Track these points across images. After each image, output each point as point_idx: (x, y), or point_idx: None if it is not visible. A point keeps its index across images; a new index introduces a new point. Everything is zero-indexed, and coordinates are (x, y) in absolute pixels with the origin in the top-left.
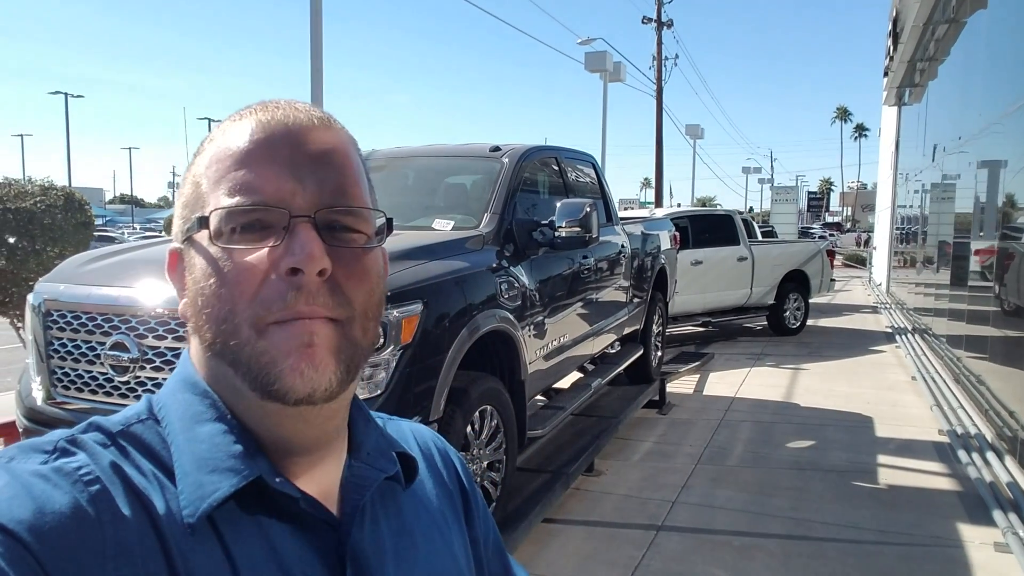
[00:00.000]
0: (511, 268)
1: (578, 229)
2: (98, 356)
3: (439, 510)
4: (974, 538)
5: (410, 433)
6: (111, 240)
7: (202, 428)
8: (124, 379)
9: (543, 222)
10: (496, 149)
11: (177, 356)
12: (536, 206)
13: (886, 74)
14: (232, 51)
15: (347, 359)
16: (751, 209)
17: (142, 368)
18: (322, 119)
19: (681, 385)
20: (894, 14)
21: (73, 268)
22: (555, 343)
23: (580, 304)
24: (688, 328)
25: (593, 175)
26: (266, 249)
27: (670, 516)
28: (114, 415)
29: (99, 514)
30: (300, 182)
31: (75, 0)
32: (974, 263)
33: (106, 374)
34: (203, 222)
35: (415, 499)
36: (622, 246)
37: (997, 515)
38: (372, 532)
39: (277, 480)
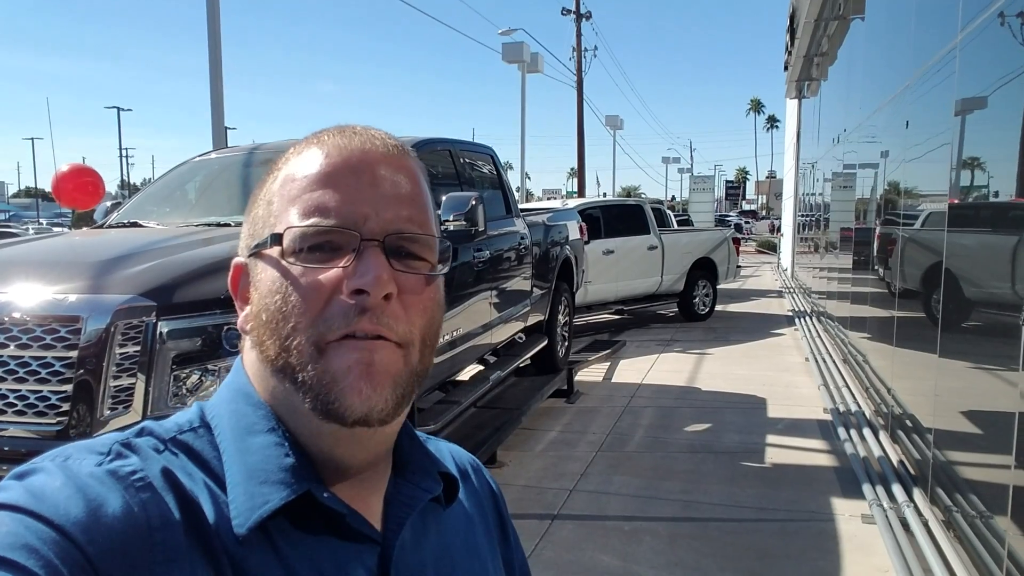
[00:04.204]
0: None
1: (464, 223)
2: None
3: (475, 531)
4: (845, 511)
5: (448, 453)
6: (12, 236)
7: (255, 439)
8: None
9: None
10: None
11: (44, 366)
12: None
13: (786, 68)
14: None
15: (403, 384)
16: (673, 198)
17: (2, 380)
18: (397, 147)
19: (591, 373)
20: (791, 10)
21: None
22: (446, 338)
23: (473, 297)
24: (603, 316)
25: (491, 166)
26: (336, 269)
27: (566, 505)
28: (165, 421)
29: (149, 519)
30: (373, 207)
31: None
32: (860, 247)
33: None
34: (276, 239)
35: (454, 519)
36: (521, 237)
37: (866, 488)
38: (414, 549)
39: (325, 495)
